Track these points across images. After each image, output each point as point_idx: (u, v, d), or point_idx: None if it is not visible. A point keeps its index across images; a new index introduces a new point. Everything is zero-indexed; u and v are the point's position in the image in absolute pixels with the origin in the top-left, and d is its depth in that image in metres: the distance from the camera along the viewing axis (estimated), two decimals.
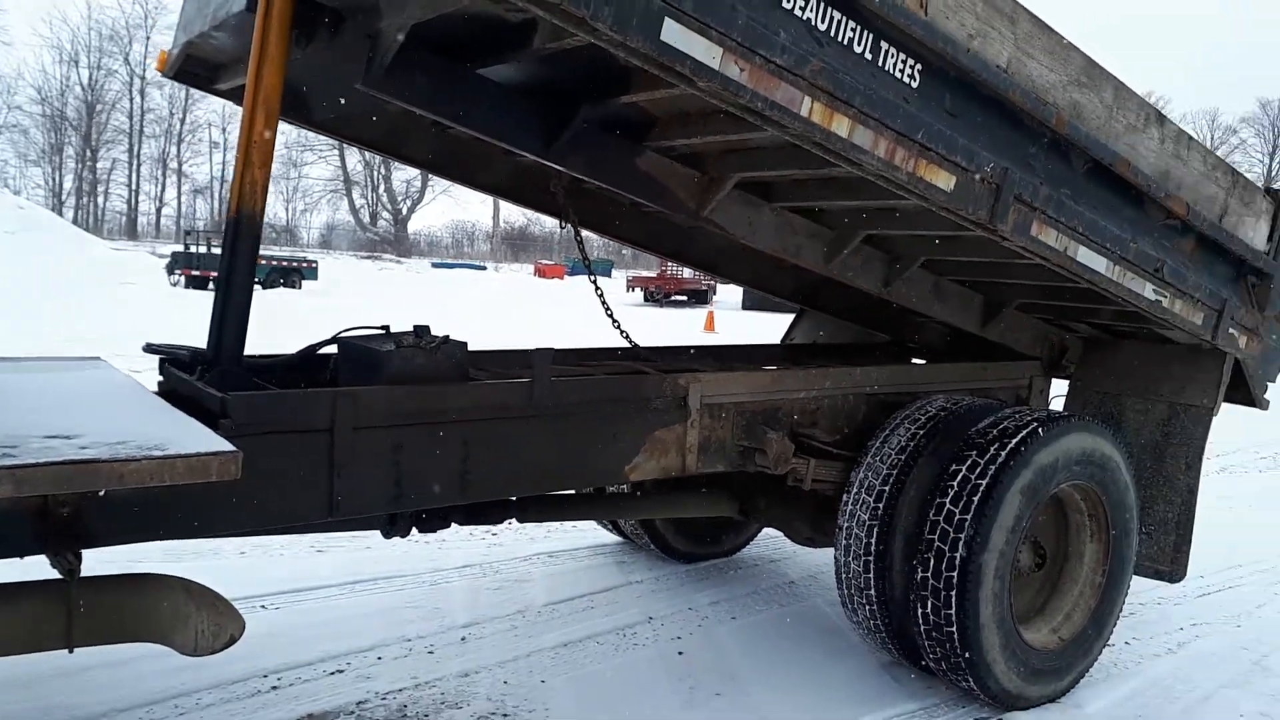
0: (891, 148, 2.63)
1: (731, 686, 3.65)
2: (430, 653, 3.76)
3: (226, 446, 2.21)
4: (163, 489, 2.38)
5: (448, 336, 3.27)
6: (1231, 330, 4.04)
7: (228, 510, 2.64)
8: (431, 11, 2.43)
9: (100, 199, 74.61)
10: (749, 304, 33.60)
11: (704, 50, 2.23)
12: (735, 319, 25.47)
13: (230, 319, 3.00)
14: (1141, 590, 4.95)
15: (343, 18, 2.85)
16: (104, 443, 2.18)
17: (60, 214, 56.06)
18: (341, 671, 3.55)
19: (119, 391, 2.97)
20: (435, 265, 65.01)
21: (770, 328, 6.10)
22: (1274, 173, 69.93)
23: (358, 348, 3.24)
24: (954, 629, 3.37)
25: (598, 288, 4.11)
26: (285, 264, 31.00)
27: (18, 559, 2.47)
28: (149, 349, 3.30)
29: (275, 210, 77.76)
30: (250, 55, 2.82)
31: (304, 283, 29.80)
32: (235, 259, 3.00)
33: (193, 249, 29.57)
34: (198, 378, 2.95)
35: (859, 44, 2.53)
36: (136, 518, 2.49)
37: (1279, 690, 3.97)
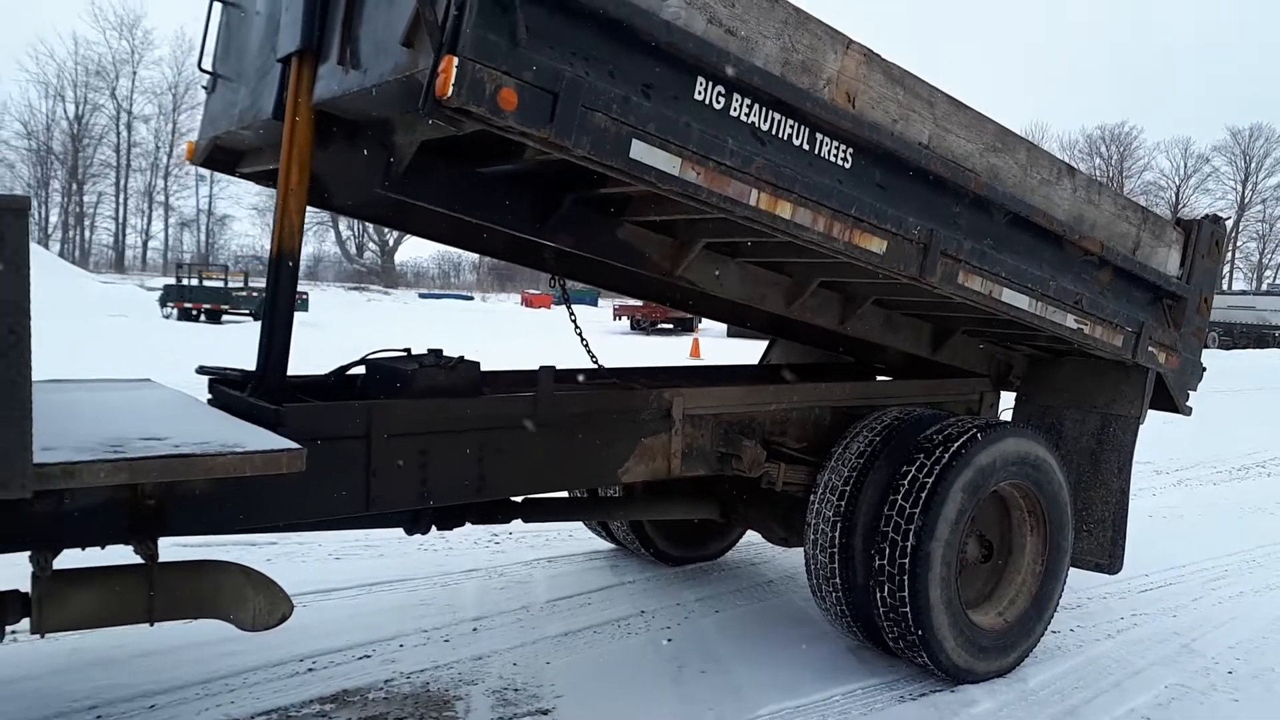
0: (829, 223, 3.15)
1: (715, 666, 4.12)
2: (446, 641, 4.21)
3: (293, 445, 2.70)
4: (231, 486, 2.88)
5: (463, 357, 3.78)
6: (1151, 349, 4.56)
7: (282, 506, 3.11)
8: (439, 134, 2.94)
9: (86, 232, 74.91)
10: (733, 331, 34.14)
11: (665, 161, 2.74)
12: (720, 345, 25.97)
13: (276, 343, 3.49)
14: (1088, 586, 5.46)
15: (359, 128, 3.35)
16: (191, 443, 2.66)
17: (47, 247, 56.34)
18: (369, 656, 4.00)
19: (182, 405, 3.45)
20: (422, 296, 65.42)
21: (754, 353, 6.60)
22: (1248, 199, 71.36)
23: (385, 367, 3.73)
24: (908, 609, 3.86)
25: (576, 324, 4.61)
26: None
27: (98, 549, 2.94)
28: (201, 370, 3.79)
29: (262, 243, 78.00)
30: (284, 130, 3.31)
31: (295, 314, 30.18)
32: (278, 292, 3.52)
33: (184, 282, 29.98)
34: (249, 394, 3.43)
35: (797, 138, 3.06)
36: (208, 511, 2.96)
37: (1202, 668, 4.45)
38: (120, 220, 75.64)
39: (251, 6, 3.81)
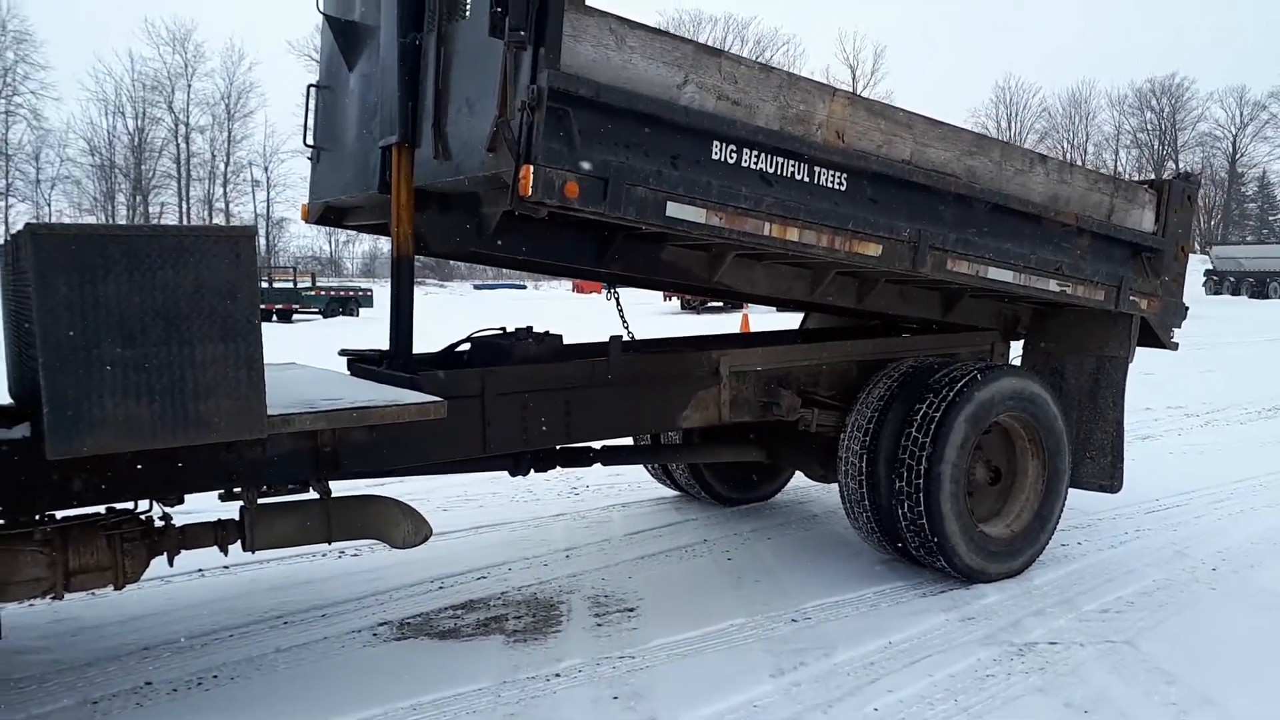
0: (831, 238, 3.97)
1: (768, 577, 4.98)
2: (545, 565, 5.13)
3: (437, 399, 3.61)
4: (386, 434, 3.78)
5: (548, 331, 4.67)
6: (1133, 298, 5.29)
7: (421, 449, 4.00)
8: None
9: None
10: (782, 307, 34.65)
11: (694, 213, 3.58)
12: (769, 319, 26.67)
13: (402, 327, 4.40)
14: (1099, 508, 6.20)
15: (451, 198, 4.22)
16: (362, 400, 3.58)
17: None
18: (485, 577, 4.93)
19: (334, 378, 4.39)
20: (477, 287, 66.83)
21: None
22: None
23: (487, 343, 4.64)
24: (925, 521, 4.66)
25: (623, 317, 5.45)
26: (343, 294, 32.76)
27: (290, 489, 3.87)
28: (343, 353, 4.73)
29: (319, 244, 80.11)
30: (391, 200, 4.18)
31: (360, 310, 31.53)
32: (400, 288, 4.41)
33: None
34: (385, 367, 4.35)
35: (799, 174, 3.88)
36: (369, 455, 3.86)
37: (1189, 567, 5.18)
38: None
39: (343, 89, 4.71)
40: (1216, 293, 43.78)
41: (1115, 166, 73.56)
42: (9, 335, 3.73)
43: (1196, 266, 48.85)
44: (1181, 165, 70.83)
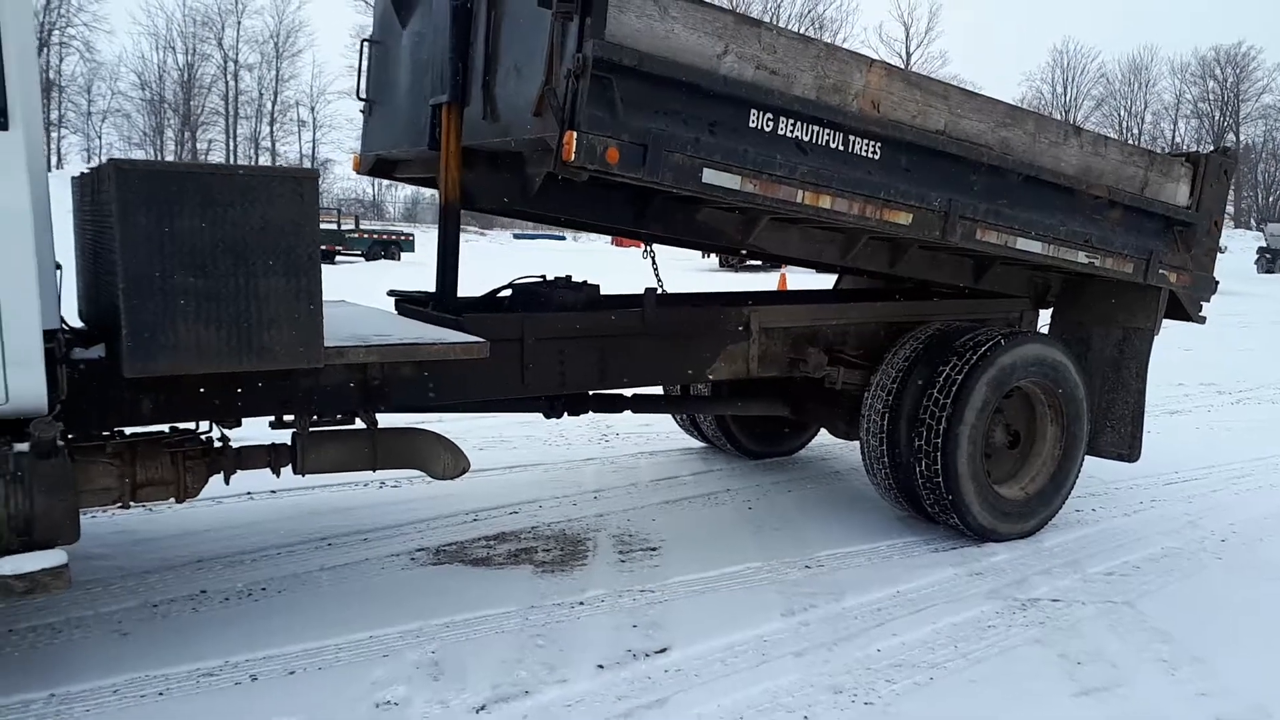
0: (862, 206, 4.09)
1: (787, 526, 5.19)
2: (574, 504, 5.38)
3: (480, 340, 3.82)
4: (431, 370, 4.00)
5: (586, 281, 4.86)
6: (1162, 271, 5.36)
7: (464, 388, 4.22)
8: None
9: None
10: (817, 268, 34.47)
11: (729, 180, 3.71)
12: (807, 280, 26.68)
13: (449, 270, 4.61)
14: (1117, 478, 6.32)
15: (498, 156, 4.37)
16: (410, 337, 3.80)
17: None
18: (517, 512, 5.19)
19: (384, 316, 4.62)
20: (517, 236, 66.94)
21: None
22: None
23: (527, 290, 4.84)
24: (941, 479, 4.83)
25: (654, 264, 5.63)
26: (385, 238, 33.11)
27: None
28: (392, 293, 4.96)
29: (363, 187, 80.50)
30: (440, 154, 4.35)
31: (402, 254, 31.86)
32: (447, 233, 4.62)
33: None
34: (432, 308, 4.57)
35: (833, 143, 3.98)
36: (414, 390, 4.08)
37: (1199, 537, 5.31)
38: None
39: (396, 44, 4.87)
40: (1269, 271, 42.82)
41: (1173, 137, 71.80)
42: (82, 262, 3.99)
43: (1250, 244, 47.90)
44: (1242, 138, 69.04)
